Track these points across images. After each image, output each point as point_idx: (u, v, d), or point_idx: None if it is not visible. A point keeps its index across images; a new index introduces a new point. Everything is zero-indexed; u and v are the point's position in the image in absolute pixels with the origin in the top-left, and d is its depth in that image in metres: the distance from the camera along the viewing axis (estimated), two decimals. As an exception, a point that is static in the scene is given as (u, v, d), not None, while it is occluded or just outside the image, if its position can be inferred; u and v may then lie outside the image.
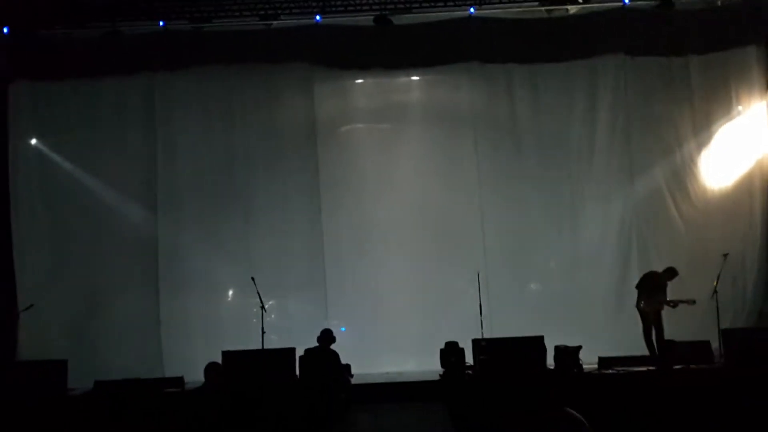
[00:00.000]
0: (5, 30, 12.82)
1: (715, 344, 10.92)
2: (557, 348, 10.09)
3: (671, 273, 11.63)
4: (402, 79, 13.52)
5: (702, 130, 13.12)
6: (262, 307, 11.35)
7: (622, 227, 12.97)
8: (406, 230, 12.97)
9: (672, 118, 13.10)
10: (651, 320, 11.33)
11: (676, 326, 11.30)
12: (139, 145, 13.04)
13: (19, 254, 12.84)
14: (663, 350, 9.09)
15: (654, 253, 12.76)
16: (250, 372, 9.93)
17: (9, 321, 12.30)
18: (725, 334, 10.91)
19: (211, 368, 8.97)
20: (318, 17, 12.95)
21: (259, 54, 13.05)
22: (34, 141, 13.22)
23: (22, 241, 12.89)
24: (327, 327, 10.35)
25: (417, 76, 13.54)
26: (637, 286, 11.67)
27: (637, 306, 11.46)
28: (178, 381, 10.26)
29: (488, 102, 13.24)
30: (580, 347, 9.97)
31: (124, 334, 12.42)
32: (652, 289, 11.43)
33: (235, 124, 13.16)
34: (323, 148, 13.09)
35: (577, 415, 4.90)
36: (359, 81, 13.53)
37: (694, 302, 11.50)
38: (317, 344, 10.08)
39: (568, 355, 9.94)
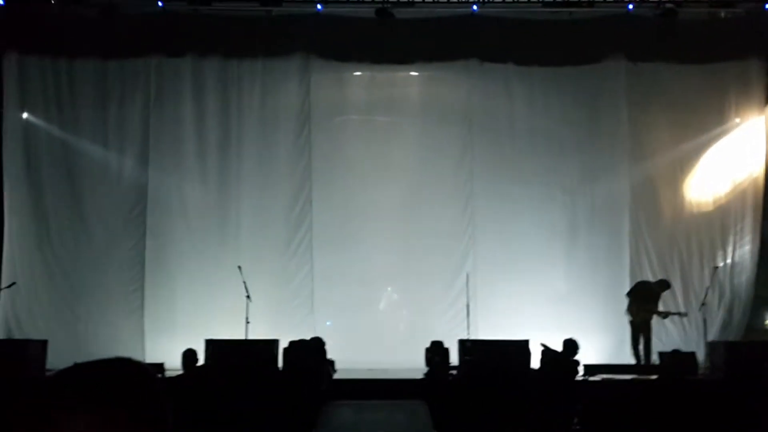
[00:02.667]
0: (1, 2, 12.61)
1: (700, 356, 10.89)
2: (543, 353, 9.99)
3: (664, 285, 11.59)
4: (400, 74, 13.42)
5: (699, 140, 13.08)
6: (248, 297, 11.23)
7: (615, 232, 12.90)
8: (396, 225, 12.87)
9: (670, 125, 13.04)
10: (640, 329, 11.30)
11: (664, 336, 11.28)
12: (133, 125, 12.86)
13: (6, 233, 12.62)
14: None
15: (646, 261, 12.72)
16: (233, 362, 9.83)
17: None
18: (711, 347, 10.89)
19: (187, 356, 8.90)
20: (320, 6, 12.80)
21: (258, 41, 12.90)
22: (25, 115, 12.98)
23: (11, 220, 12.67)
24: (318, 330, 10.22)
25: (415, 71, 13.43)
26: (628, 294, 11.63)
27: (627, 314, 11.42)
28: (158, 367, 10.09)
29: (485, 101, 13.15)
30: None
31: (107, 315, 12.27)
32: (644, 298, 11.40)
33: (230, 109, 13.00)
34: (317, 139, 12.97)
35: None
36: (357, 73, 13.42)
37: (685, 314, 11.46)
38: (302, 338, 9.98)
39: (556, 361, 9.84)
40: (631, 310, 11.42)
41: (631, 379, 9.87)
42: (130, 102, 12.89)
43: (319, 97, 13.04)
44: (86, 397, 1.36)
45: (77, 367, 1.42)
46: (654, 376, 9.33)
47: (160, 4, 12.74)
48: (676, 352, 10.43)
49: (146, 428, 1.39)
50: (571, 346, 9.59)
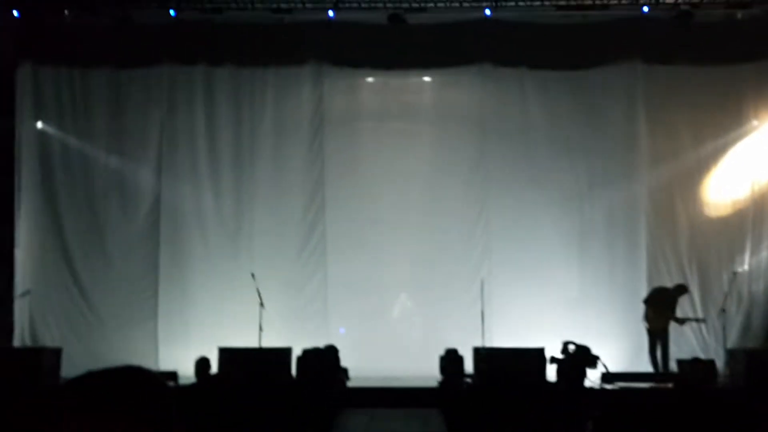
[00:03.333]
0: (16, 14, 12.68)
1: (719, 364, 10.73)
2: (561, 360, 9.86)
3: (681, 290, 11.44)
4: (413, 79, 13.38)
5: (716, 143, 12.89)
6: (261, 305, 11.20)
7: (632, 237, 12.74)
8: (410, 231, 12.80)
9: (687, 128, 12.85)
10: (657, 336, 11.15)
11: (682, 343, 11.13)
12: (146, 134, 12.92)
13: (20, 240, 12.67)
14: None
15: (663, 266, 12.55)
16: (246, 370, 9.79)
17: (4, 306, 12.19)
18: (731, 355, 10.71)
19: (200, 364, 8.86)
20: (331, 13, 12.76)
21: (270, 48, 12.88)
22: (40, 125, 13.04)
23: (26, 229, 12.74)
24: (331, 338, 10.19)
25: (428, 76, 13.39)
26: (645, 301, 11.48)
27: (644, 321, 11.27)
28: (172, 375, 10.08)
29: (499, 106, 13.05)
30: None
31: (121, 323, 12.30)
32: (661, 305, 11.25)
33: (242, 117, 13.00)
34: (330, 146, 12.94)
35: None
36: (370, 80, 13.40)
37: (704, 321, 11.30)
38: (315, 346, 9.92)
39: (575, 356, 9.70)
40: (648, 317, 11.28)
41: (649, 388, 9.71)
42: (143, 111, 12.93)
43: (332, 105, 13.03)
44: (99, 399, 1.46)
45: (90, 374, 1.55)
46: (671, 385, 9.15)
47: (172, 13, 12.75)
48: (695, 360, 10.28)
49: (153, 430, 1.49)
50: (583, 353, 9.48)
